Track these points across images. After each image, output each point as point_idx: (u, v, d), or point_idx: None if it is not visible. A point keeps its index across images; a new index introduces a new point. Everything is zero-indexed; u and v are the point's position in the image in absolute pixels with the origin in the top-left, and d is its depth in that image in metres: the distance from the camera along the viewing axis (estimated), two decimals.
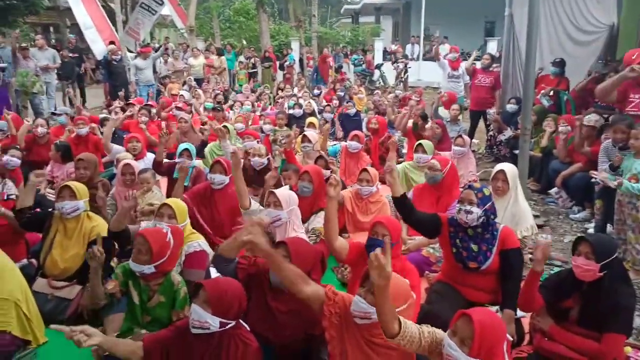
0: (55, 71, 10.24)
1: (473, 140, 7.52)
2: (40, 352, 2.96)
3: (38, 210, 3.63)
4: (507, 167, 3.81)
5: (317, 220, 4.09)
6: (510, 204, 3.72)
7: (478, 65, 8.74)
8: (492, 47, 16.99)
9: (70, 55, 11.10)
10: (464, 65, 9.01)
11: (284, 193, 3.65)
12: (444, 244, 3.13)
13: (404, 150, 7.43)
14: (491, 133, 7.71)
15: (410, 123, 7.02)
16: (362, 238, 4.15)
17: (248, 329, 2.41)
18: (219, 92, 10.62)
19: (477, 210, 2.88)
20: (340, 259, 3.12)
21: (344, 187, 4.87)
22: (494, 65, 9.00)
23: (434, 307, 2.91)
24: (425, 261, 3.93)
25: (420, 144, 5.34)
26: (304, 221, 4.04)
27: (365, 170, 4.43)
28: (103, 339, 2.22)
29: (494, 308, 2.94)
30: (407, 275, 2.77)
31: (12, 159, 4.87)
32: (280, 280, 2.45)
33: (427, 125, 6.91)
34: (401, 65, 15.02)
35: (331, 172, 4.46)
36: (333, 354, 2.34)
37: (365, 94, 11.89)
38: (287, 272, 2.36)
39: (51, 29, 22.67)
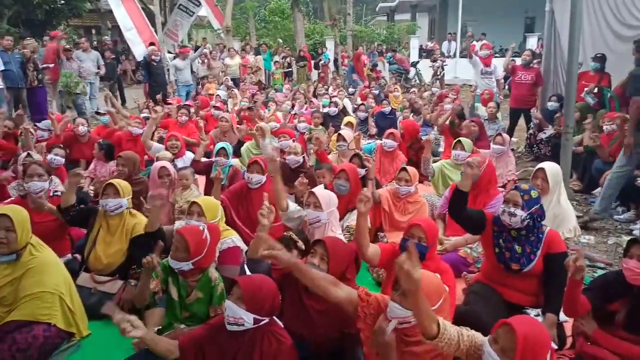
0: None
1: (512, 138, 7.36)
2: (84, 344, 3.05)
3: (82, 206, 3.73)
4: (548, 166, 3.70)
5: (352, 218, 4.07)
6: (552, 204, 3.62)
7: (517, 61, 8.55)
8: (532, 43, 16.58)
9: (111, 57, 11.41)
10: (496, 62, 8.86)
11: (325, 194, 3.63)
12: (486, 243, 3.07)
13: (441, 149, 7.33)
14: (531, 131, 7.51)
15: (444, 120, 6.92)
16: (398, 237, 4.12)
17: (282, 326, 2.43)
18: (255, 91, 10.73)
19: (521, 213, 2.82)
20: (374, 265, 3.11)
21: (379, 187, 4.84)
22: (534, 61, 8.78)
23: (471, 308, 2.86)
24: (463, 261, 3.86)
25: (459, 140, 5.25)
26: (339, 219, 4.04)
27: (404, 169, 4.36)
28: (146, 334, 2.27)
29: (534, 311, 2.87)
30: (442, 275, 2.72)
31: (56, 157, 5.06)
32: (310, 287, 2.43)
33: (464, 123, 6.79)
34: (438, 63, 14.82)
35: (366, 170, 4.42)
36: (369, 354, 2.32)
37: (401, 92, 11.78)
38: (316, 279, 2.35)
39: (93, 31, 23.37)
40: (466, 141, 5.26)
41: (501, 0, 18.82)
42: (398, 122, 8.47)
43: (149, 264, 2.81)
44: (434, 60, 15.14)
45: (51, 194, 3.94)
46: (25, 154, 5.06)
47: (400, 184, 4.28)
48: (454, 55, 18.22)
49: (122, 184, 3.59)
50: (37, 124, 6.69)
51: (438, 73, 14.94)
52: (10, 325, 2.76)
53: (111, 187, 3.53)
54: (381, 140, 6.30)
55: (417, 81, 16.05)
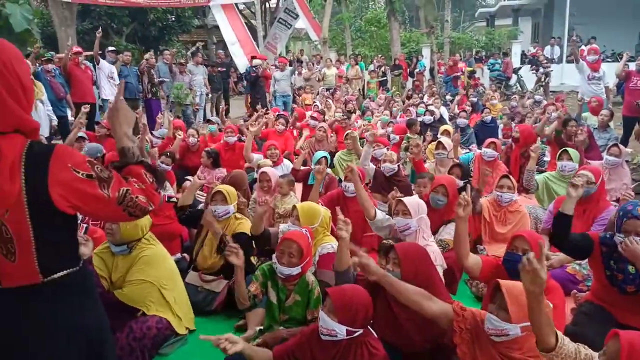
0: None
1: (626, 149, 6.78)
2: (190, 339, 3.24)
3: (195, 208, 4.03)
4: None
5: (447, 232, 3.95)
6: None
7: (632, 67, 7.89)
8: None
9: (219, 69, 12.11)
10: (605, 67, 8.24)
11: (413, 201, 3.59)
12: (596, 265, 2.86)
13: (546, 158, 6.95)
14: None
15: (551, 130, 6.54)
16: (497, 249, 4.00)
17: (376, 336, 2.43)
18: (349, 100, 10.86)
19: None
20: (474, 276, 3.01)
21: (479, 196, 4.69)
22: None
23: (581, 330, 2.69)
24: (571, 279, 3.62)
25: (565, 150, 4.94)
26: (433, 232, 3.96)
27: (506, 176, 4.21)
28: (244, 347, 2.35)
29: None
30: (549, 294, 2.59)
31: (162, 165, 5.47)
32: (402, 301, 2.40)
33: (569, 125, 6.36)
34: (542, 69, 14.06)
35: (466, 183, 4.31)
36: None
37: (501, 99, 11.31)
38: (405, 292, 2.32)
39: (200, 45, 24.97)
40: (573, 151, 4.94)
41: (613, 1, 17.40)
42: (499, 130, 8.16)
43: (230, 251, 2.82)
44: (539, 67, 14.37)
45: (166, 199, 4.29)
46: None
47: (503, 191, 4.12)
48: (559, 61, 17.15)
49: (230, 191, 3.81)
50: (152, 132, 7.32)
51: (542, 80, 14.16)
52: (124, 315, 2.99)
53: (219, 194, 3.76)
54: (480, 149, 6.10)
55: (519, 88, 15.33)
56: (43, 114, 7.20)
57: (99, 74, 8.78)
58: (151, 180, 1.67)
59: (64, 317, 1.64)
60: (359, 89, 14.01)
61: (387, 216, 3.77)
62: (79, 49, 8.62)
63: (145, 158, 1.73)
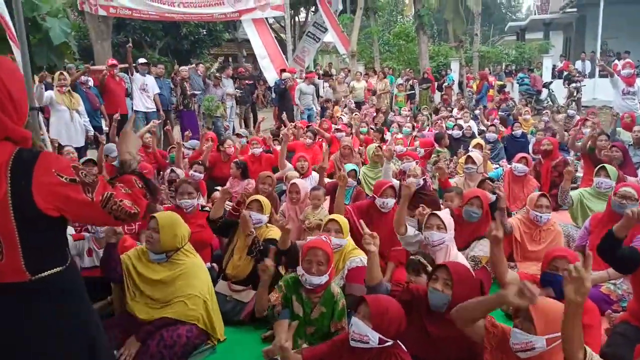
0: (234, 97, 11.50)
1: None
2: (219, 348, 3.27)
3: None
4: None
5: (479, 248, 3.89)
6: None
7: None
8: None
9: (247, 82, 12.31)
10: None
11: (447, 216, 3.56)
12: (638, 283, 2.79)
13: (578, 174, 6.81)
14: None
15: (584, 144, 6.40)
16: (529, 267, 3.93)
17: (406, 350, 2.42)
18: (375, 114, 10.86)
19: None
20: None
21: (509, 214, 4.62)
22: None
23: (615, 350, 2.61)
24: (605, 299, 3.52)
25: (603, 166, 4.83)
26: (464, 247, 3.92)
27: (544, 195, 4.14)
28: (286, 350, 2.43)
29: None
30: (586, 314, 2.52)
31: (195, 173, 5.57)
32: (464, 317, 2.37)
33: (601, 142, 6.22)
34: (575, 84, 13.83)
35: (497, 196, 4.26)
36: None
37: (531, 114, 11.16)
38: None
39: (230, 59, 25.42)
40: (611, 168, 4.82)
41: None
42: (530, 145, 8.04)
43: (264, 267, 2.94)
44: (569, 80, 14.14)
45: (199, 208, 4.37)
46: (169, 169, 5.69)
47: (542, 211, 4.05)
48: (592, 75, 16.84)
49: (265, 201, 3.89)
50: (183, 143, 7.46)
51: (574, 94, 13.93)
52: (158, 322, 3.05)
53: (256, 203, 3.84)
54: (511, 164, 6.03)
55: (550, 103, 15.09)
56: (79, 125, 7.41)
57: (132, 86, 9.01)
58: (140, 186, 1.75)
59: (51, 315, 1.72)
60: (387, 103, 14.01)
61: (417, 231, 3.75)
62: (114, 62, 8.88)
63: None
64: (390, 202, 4.22)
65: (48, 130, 6.87)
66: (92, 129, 7.76)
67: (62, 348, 1.74)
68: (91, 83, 8.38)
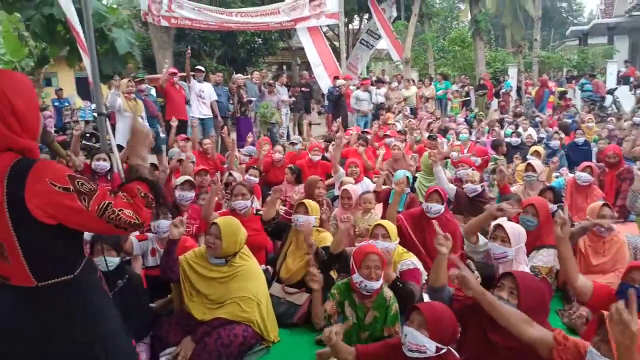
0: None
1: None
2: (273, 349, 3.32)
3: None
4: None
5: (538, 258, 3.75)
6: None
7: None
8: None
9: (301, 89, 12.46)
10: None
11: (514, 229, 3.39)
12: None
13: None
14: None
15: None
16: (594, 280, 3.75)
17: (458, 357, 2.37)
18: (431, 120, 10.72)
19: None
20: (582, 301, 2.81)
21: (572, 225, 4.43)
22: None
23: None
24: None
25: None
26: None
27: (606, 205, 3.98)
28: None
29: None
30: None
31: (251, 177, 5.71)
32: (499, 322, 2.32)
33: None
34: None
35: (559, 206, 4.10)
36: None
37: (595, 121, 10.67)
38: (506, 314, 2.24)
39: (284, 67, 25.81)
40: None
41: None
42: (593, 154, 7.70)
43: (312, 277, 3.00)
44: (637, 87, 13.44)
45: (254, 211, 4.46)
46: (227, 173, 5.85)
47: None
48: None
49: (312, 204, 3.95)
50: (240, 149, 7.66)
51: None
52: (214, 322, 3.14)
53: (302, 206, 3.91)
54: (573, 173, 5.79)
55: (615, 110, 14.38)
56: None
57: (190, 93, 9.32)
58: (143, 195, 1.74)
59: (58, 320, 1.75)
60: (434, 109, 13.79)
61: (486, 240, 3.63)
62: (175, 70, 9.24)
63: (151, 176, 1.83)
64: (435, 207, 4.11)
65: (114, 136, 7.23)
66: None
67: (65, 355, 1.76)
68: (152, 92, 8.72)
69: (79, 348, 1.77)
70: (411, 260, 3.54)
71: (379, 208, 5.29)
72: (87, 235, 3.11)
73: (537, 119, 10.97)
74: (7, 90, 1.65)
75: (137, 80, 8.92)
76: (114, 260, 3.20)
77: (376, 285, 2.88)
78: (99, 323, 1.83)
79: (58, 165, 1.74)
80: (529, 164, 5.58)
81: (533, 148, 6.91)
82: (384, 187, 5.50)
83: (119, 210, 1.67)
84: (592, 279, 3.68)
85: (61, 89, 13.98)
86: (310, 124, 9.54)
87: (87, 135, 11.15)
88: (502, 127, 10.43)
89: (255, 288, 3.30)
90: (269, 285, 3.77)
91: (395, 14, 17.15)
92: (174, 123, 7.14)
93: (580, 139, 8.06)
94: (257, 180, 5.79)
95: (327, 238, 3.87)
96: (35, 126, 1.75)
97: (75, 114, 12.96)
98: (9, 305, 1.75)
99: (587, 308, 3.15)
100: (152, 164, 5.57)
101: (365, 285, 2.89)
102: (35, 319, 1.73)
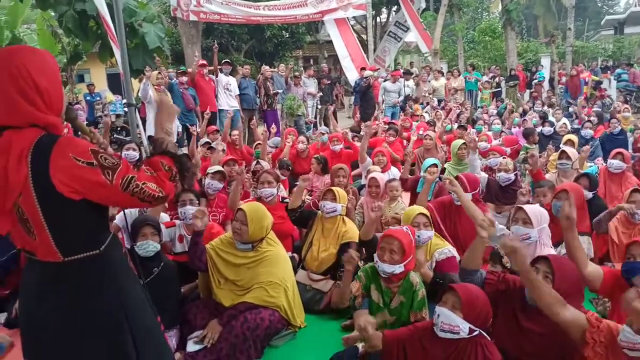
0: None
1: None
2: (299, 334, 3.33)
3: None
4: None
5: None
6: None
7: None
8: None
9: (328, 82, 12.44)
10: None
11: (535, 210, 3.39)
12: None
13: None
14: None
15: None
16: None
17: (490, 340, 2.34)
18: (460, 111, 10.56)
19: None
20: (594, 288, 2.78)
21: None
22: None
23: None
24: None
25: None
26: (555, 245, 3.71)
27: (636, 190, 3.84)
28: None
29: None
30: None
31: (282, 177, 5.68)
32: (535, 300, 2.30)
33: None
34: None
35: (594, 194, 3.97)
36: None
37: (631, 111, 10.32)
38: (544, 293, 2.22)
39: (311, 60, 25.84)
40: None
41: None
42: (630, 144, 7.45)
43: (349, 258, 2.98)
44: None
45: (280, 199, 4.47)
46: (255, 161, 5.88)
47: (638, 208, 3.76)
48: None
49: (340, 192, 3.93)
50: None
51: None
52: (241, 306, 3.16)
53: (330, 193, 3.90)
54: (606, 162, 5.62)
55: None
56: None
57: (217, 86, 9.41)
58: (167, 168, 1.74)
59: (84, 297, 1.75)
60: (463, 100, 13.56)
61: (502, 226, 3.60)
62: (204, 62, 9.35)
63: (176, 151, 1.82)
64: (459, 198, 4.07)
65: (145, 129, 7.36)
66: (179, 125, 8.22)
67: (91, 329, 1.77)
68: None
69: (105, 322, 1.79)
70: (448, 249, 3.51)
71: (405, 197, 5.26)
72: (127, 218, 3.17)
73: (571, 108, 10.67)
74: (31, 68, 1.66)
75: (179, 72, 9.09)
76: (156, 246, 3.25)
77: (388, 268, 2.84)
78: (125, 297, 1.84)
79: (81, 140, 1.74)
80: (563, 151, 5.42)
81: (567, 137, 6.71)
82: (411, 176, 5.44)
83: (143, 184, 1.68)
84: None
85: (93, 84, 14.28)
86: (335, 114, 9.46)
87: (118, 128, 11.37)
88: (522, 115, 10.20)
89: (282, 273, 3.30)
90: (295, 272, 3.76)
91: (424, 5, 16.93)
92: (207, 115, 7.21)
93: (616, 129, 7.80)
94: (285, 178, 5.79)
95: (350, 231, 3.84)
96: (58, 102, 1.76)
97: (106, 108, 13.26)
98: (35, 280, 1.77)
99: (599, 294, 3.12)
100: (185, 154, 5.62)
101: (379, 266, 2.89)
102: (62, 294, 1.75)
